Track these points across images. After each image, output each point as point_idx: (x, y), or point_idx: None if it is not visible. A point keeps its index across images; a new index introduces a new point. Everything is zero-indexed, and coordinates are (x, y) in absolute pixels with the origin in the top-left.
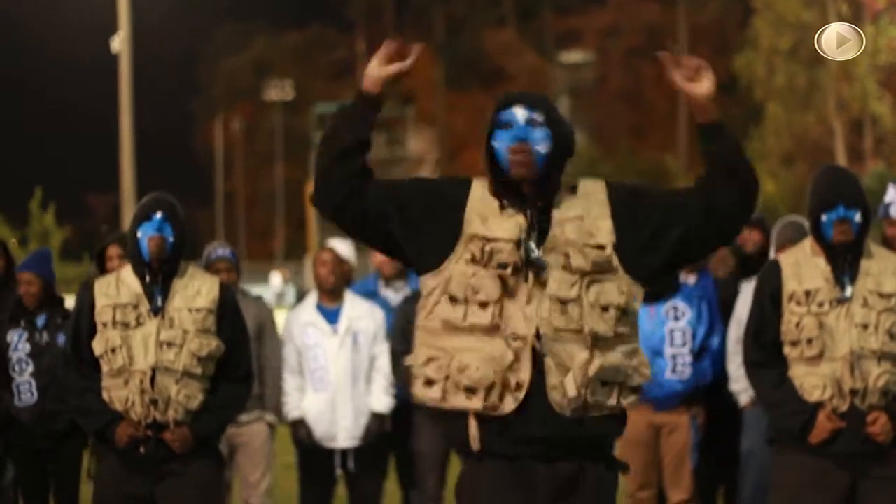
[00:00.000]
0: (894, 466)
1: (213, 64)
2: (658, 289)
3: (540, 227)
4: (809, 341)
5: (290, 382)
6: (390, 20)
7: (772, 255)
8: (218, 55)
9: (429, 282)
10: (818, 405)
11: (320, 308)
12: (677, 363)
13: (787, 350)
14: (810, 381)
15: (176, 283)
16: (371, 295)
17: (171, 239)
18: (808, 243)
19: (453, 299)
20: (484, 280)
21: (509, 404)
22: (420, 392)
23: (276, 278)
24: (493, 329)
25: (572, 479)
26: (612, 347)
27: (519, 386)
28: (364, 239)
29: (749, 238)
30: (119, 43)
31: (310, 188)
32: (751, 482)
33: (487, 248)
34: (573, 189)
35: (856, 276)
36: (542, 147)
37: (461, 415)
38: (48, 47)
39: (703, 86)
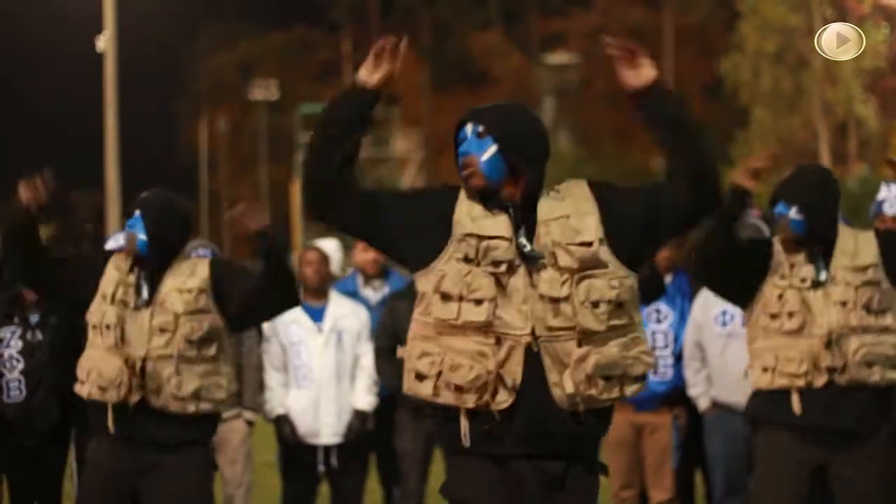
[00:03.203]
0: (870, 443)
1: (198, 63)
2: (646, 290)
3: (526, 225)
4: (790, 315)
5: (274, 379)
6: (376, 21)
7: None
8: (203, 55)
9: (420, 280)
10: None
11: (305, 306)
12: (659, 365)
13: (765, 321)
14: (787, 354)
15: (169, 269)
16: (351, 294)
17: (141, 236)
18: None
19: (447, 297)
20: (479, 278)
21: (501, 403)
22: (412, 386)
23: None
24: (486, 327)
25: (558, 478)
26: (606, 342)
27: (512, 385)
28: (354, 227)
29: None
30: (104, 42)
31: (295, 187)
32: (721, 484)
33: (482, 245)
34: (556, 191)
35: (829, 259)
36: (484, 155)
37: (452, 411)
38: (33, 46)
39: (643, 73)
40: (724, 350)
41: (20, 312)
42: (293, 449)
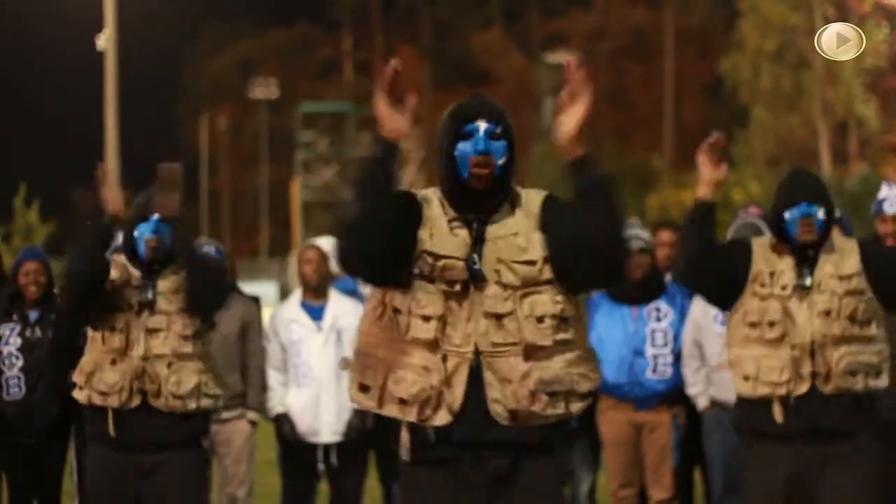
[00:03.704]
0: (855, 449)
1: (199, 62)
2: (646, 289)
3: (481, 241)
4: (771, 324)
5: (273, 378)
6: (377, 20)
7: None
8: (203, 53)
9: (374, 292)
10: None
11: (305, 305)
12: (658, 363)
13: (745, 330)
14: (768, 363)
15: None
16: (350, 292)
17: (168, 241)
18: (767, 240)
19: (396, 311)
20: (430, 295)
21: (443, 418)
22: (356, 395)
23: None
24: (433, 343)
25: (505, 473)
26: (551, 357)
27: (450, 402)
28: (389, 283)
29: None
30: (105, 40)
31: (295, 186)
32: (720, 483)
33: (439, 264)
34: (517, 199)
35: (814, 270)
36: (501, 159)
37: (397, 422)
38: (34, 44)
39: (570, 119)
40: (722, 349)
41: (19, 310)
42: (293, 447)
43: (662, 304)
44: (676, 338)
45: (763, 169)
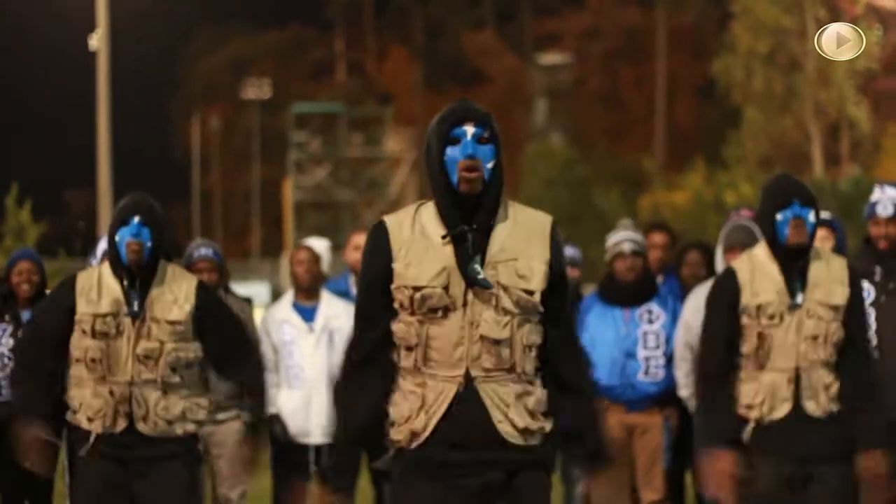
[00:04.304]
0: (838, 472)
1: (191, 62)
2: (638, 291)
3: (481, 252)
4: (757, 350)
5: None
6: (369, 20)
7: (718, 255)
8: (196, 53)
9: None
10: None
11: (296, 306)
12: (650, 365)
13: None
14: (747, 387)
15: (154, 289)
16: (342, 294)
17: (148, 244)
18: (761, 250)
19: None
20: (409, 326)
21: (419, 439)
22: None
23: None
24: (415, 370)
25: (503, 483)
26: (534, 382)
27: (425, 427)
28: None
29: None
30: (97, 40)
31: (287, 186)
32: None
33: (417, 295)
34: (514, 218)
35: (805, 284)
36: (489, 163)
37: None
38: (26, 43)
39: None
40: None
41: (11, 310)
42: (285, 448)
43: (654, 307)
44: (668, 340)
45: (755, 170)
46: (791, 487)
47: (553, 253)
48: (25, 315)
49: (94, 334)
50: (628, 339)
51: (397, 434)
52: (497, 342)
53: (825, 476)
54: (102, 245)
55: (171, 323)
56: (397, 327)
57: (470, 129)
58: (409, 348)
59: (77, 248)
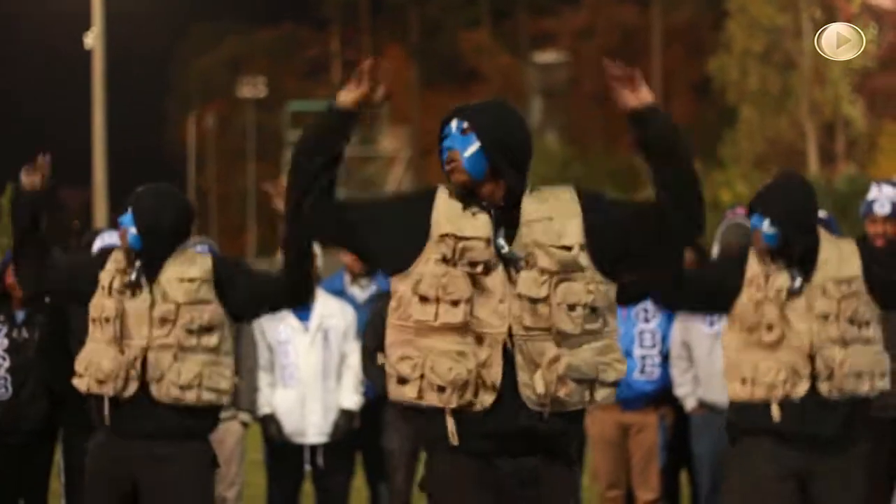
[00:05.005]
0: (852, 452)
1: (187, 60)
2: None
3: (507, 226)
4: (769, 327)
5: (260, 378)
6: (365, 19)
7: (714, 254)
8: (191, 52)
9: (398, 284)
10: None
11: None
12: (646, 364)
13: (742, 335)
14: (766, 364)
15: (169, 261)
16: (337, 292)
17: (132, 231)
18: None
19: (424, 299)
20: (455, 279)
21: (484, 401)
22: (395, 391)
23: None
24: (464, 327)
25: (534, 473)
26: (580, 345)
27: (492, 384)
28: (332, 240)
29: None
30: (92, 39)
31: (282, 184)
32: (707, 484)
33: (459, 246)
34: (541, 192)
35: (811, 270)
36: (466, 151)
37: (437, 411)
38: (21, 41)
39: (641, 96)
40: (711, 350)
41: (6, 310)
42: (279, 448)
43: (650, 305)
44: (664, 338)
45: (751, 169)
46: (797, 474)
47: (586, 208)
48: (20, 316)
49: (110, 291)
50: (625, 338)
51: (452, 400)
52: (533, 300)
53: (835, 472)
54: (98, 243)
55: (187, 280)
56: (447, 279)
57: (454, 124)
58: (456, 303)
59: (72, 246)
